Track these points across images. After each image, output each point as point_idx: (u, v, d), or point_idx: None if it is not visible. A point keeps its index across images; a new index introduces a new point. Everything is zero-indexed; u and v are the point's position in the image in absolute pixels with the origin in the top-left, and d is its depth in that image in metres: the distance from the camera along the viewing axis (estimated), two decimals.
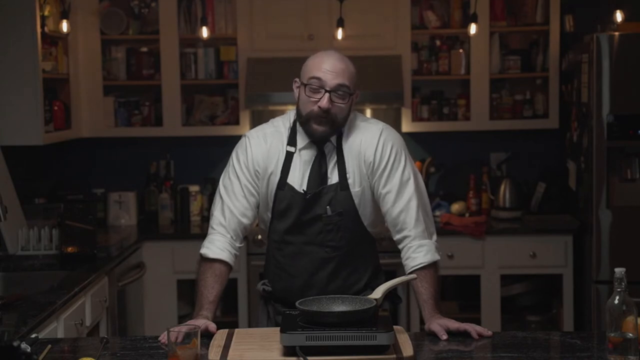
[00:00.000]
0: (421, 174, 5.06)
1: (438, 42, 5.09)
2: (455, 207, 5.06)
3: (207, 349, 2.28)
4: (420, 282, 2.61)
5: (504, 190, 4.99)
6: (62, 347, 2.48)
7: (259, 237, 4.48)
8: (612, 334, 2.17)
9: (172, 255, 4.71)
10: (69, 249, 3.95)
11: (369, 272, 2.81)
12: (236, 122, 5.04)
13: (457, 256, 4.69)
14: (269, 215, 2.76)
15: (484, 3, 4.85)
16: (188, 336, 2.17)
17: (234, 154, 2.83)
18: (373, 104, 5.02)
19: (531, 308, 4.97)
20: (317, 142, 2.69)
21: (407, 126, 5.03)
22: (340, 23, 4.73)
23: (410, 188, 2.67)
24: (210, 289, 2.65)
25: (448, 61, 5.03)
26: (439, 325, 2.50)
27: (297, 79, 2.71)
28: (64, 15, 4.48)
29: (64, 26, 4.48)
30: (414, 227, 2.66)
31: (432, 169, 5.17)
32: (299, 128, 2.72)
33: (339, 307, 2.32)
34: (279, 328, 2.24)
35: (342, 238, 2.71)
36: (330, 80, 2.60)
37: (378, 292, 2.42)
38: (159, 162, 5.15)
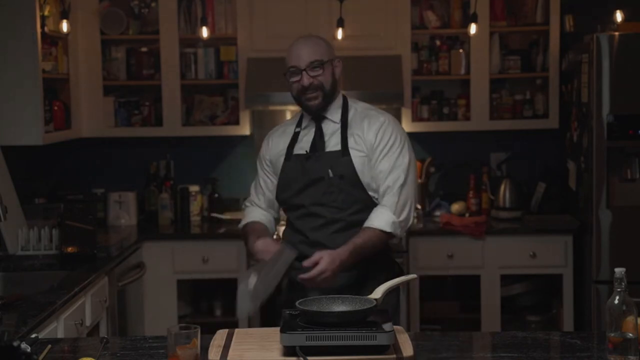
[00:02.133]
0: (421, 174, 5.09)
1: (438, 42, 5.09)
2: (455, 207, 5.06)
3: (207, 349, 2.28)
4: (359, 234, 2.89)
5: (504, 190, 4.99)
6: (62, 347, 2.48)
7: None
8: (612, 334, 2.17)
9: (172, 255, 4.71)
10: (69, 249, 3.95)
11: None
12: (236, 122, 5.04)
13: (457, 256, 4.69)
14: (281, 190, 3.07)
15: (484, 3, 4.85)
16: (188, 336, 2.17)
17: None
18: (373, 104, 4.98)
19: (531, 308, 4.96)
20: (317, 119, 3.03)
21: (407, 126, 5.02)
22: (340, 23, 4.73)
23: (401, 174, 2.96)
24: (258, 232, 3.01)
25: (448, 61, 5.03)
26: (317, 255, 2.78)
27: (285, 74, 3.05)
28: (64, 15, 4.48)
29: (64, 26, 4.48)
30: (388, 202, 2.95)
31: (432, 169, 5.17)
32: (304, 114, 3.09)
33: (339, 307, 2.32)
34: (279, 328, 2.24)
35: (344, 201, 2.95)
36: (302, 61, 2.96)
37: (378, 292, 2.42)
38: (159, 162, 5.15)
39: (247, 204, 3.21)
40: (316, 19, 4.87)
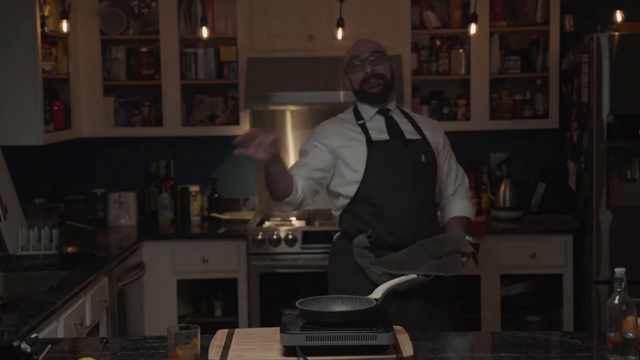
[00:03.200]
0: None
1: (438, 42, 5.09)
2: None
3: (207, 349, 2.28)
4: (454, 219, 3.32)
5: (504, 190, 4.99)
6: (62, 347, 2.48)
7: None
8: (612, 334, 2.17)
9: (172, 255, 4.71)
10: (69, 249, 3.95)
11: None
12: (236, 122, 5.04)
13: None
14: (359, 174, 3.16)
15: (484, 3, 4.86)
16: (188, 336, 2.17)
17: (306, 143, 3.33)
18: None
19: (531, 308, 4.96)
20: (381, 112, 3.25)
21: None
22: (340, 23, 4.73)
23: (461, 172, 3.45)
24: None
25: (448, 61, 5.03)
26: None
27: (345, 76, 3.31)
28: (64, 15, 4.48)
29: (64, 26, 4.48)
30: (468, 196, 3.42)
31: None
32: (360, 107, 3.28)
33: (339, 307, 2.32)
34: (279, 328, 2.24)
35: (428, 189, 3.21)
36: (364, 52, 3.20)
37: (378, 292, 2.42)
38: (159, 162, 5.15)
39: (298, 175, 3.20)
40: (316, 19, 4.87)
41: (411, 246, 3.08)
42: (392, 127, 3.23)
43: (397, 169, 3.15)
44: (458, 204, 3.35)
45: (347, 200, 3.22)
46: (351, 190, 3.20)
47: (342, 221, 3.29)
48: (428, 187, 3.22)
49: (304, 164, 3.21)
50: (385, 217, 3.15)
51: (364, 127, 3.22)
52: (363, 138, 3.20)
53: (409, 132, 3.24)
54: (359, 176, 3.18)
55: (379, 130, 3.21)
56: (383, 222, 3.16)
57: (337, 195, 3.27)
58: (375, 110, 3.26)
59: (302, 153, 3.28)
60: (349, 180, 3.20)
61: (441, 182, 3.31)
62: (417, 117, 3.38)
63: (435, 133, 3.31)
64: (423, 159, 3.17)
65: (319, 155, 3.20)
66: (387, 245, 3.15)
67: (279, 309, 2.40)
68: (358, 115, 3.27)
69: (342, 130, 3.23)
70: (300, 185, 3.11)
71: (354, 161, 3.18)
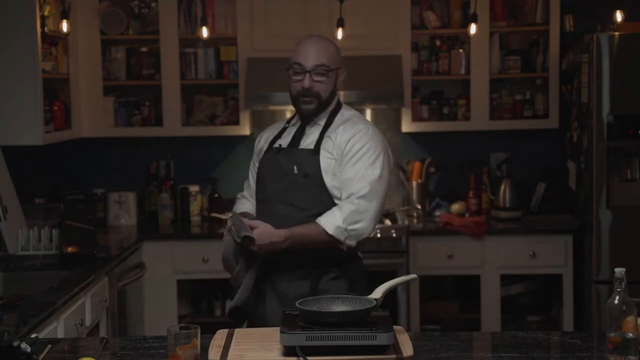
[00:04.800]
0: (421, 174, 5.09)
1: (438, 42, 5.09)
2: (455, 207, 5.06)
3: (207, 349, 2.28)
4: (304, 224, 2.88)
5: (504, 190, 4.99)
6: (62, 347, 2.48)
7: None
8: (612, 334, 2.17)
9: (172, 255, 4.71)
10: (69, 249, 3.95)
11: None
12: (236, 122, 5.04)
13: (457, 256, 4.69)
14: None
15: (484, 3, 4.85)
16: (188, 336, 2.17)
17: None
18: (373, 104, 5.02)
19: (531, 308, 4.97)
20: (305, 121, 3.03)
21: (407, 126, 5.03)
22: (340, 23, 4.73)
23: (366, 185, 2.88)
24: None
25: (448, 61, 5.03)
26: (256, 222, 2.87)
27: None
28: (64, 15, 4.48)
29: (64, 26, 4.48)
30: (344, 207, 2.88)
31: (432, 169, 5.17)
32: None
33: (339, 307, 2.32)
34: (279, 328, 2.24)
35: (305, 200, 2.92)
36: (309, 62, 2.92)
37: (378, 292, 2.41)
38: (159, 162, 5.15)
39: (239, 196, 3.24)
40: (316, 19, 4.87)
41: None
42: (298, 134, 3.03)
43: (271, 179, 3.00)
44: (328, 211, 2.91)
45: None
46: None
47: None
48: (297, 198, 2.92)
49: (247, 184, 3.22)
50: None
51: (281, 132, 3.10)
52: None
53: (308, 142, 2.98)
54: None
55: (289, 136, 3.06)
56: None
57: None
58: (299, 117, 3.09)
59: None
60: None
61: (343, 188, 2.93)
62: (338, 121, 3.01)
63: (342, 138, 2.94)
64: (295, 171, 2.92)
65: (253, 171, 3.16)
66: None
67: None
68: (292, 117, 3.14)
69: (270, 135, 3.12)
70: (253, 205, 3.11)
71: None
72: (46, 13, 4.34)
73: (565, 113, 4.95)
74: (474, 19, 4.72)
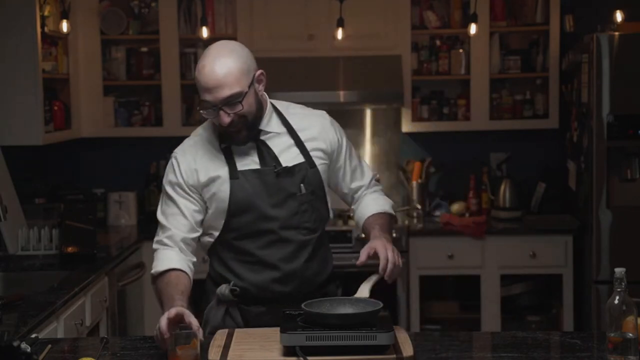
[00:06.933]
0: (421, 173, 5.10)
1: (438, 42, 5.09)
2: (455, 207, 5.06)
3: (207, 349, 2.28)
4: (373, 217, 2.66)
5: (504, 190, 4.99)
6: (62, 347, 2.48)
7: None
8: (612, 334, 2.17)
9: None
10: (69, 249, 3.95)
11: (331, 259, 2.73)
12: None
13: (457, 256, 4.69)
14: (225, 214, 2.55)
15: (484, 3, 4.85)
16: (188, 336, 2.17)
17: (164, 179, 2.64)
18: (373, 103, 5.02)
19: (531, 308, 4.96)
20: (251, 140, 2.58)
21: (407, 126, 5.03)
22: (340, 23, 4.73)
23: (355, 153, 2.75)
24: (174, 287, 2.41)
25: (448, 61, 5.03)
26: (369, 246, 2.48)
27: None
28: (64, 15, 4.48)
29: (64, 26, 4.48)
30: (377, 189, 2.77)
31: (432, 169, 5.17)
32: None
33: (343, 310, 2.31)
34: (279, 328, 2.24)
35: (315, 220, 2.60)
36: (215, 97, 2.45)
37: (364, 291, 2.41)
38: (159, 162, 5.15)
39: (156, 246, 2.56)
40: (316, 19, 4.87)
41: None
42: (265, 151, 2.56)
43: (277, 204, 2.54)
44: (370, 201, 2.72)
45: (212, 240, 2.63)
46: (216, 231, 2.60)
47: (210, 263, 2.72)
48: (309, 220, 2.58)
49: (178, 220, 2.56)
50: (257, 266, 2.57)
51: (227, 153, 2.56)
52: (225, 168, 2.54)
53: (291, 156, 2.58)
54: (222, 216, 2.55)
55: (247, 155, 2.56)
56: (253, 272, 2.57)
57: (203, 234, 2.63)
58: None
59: (171, 192, 2.58)
60: (214, 223, 2.59)
61: (345, 184, 2.73)
62: (298, 120, 2.65)
63: (328, 133, 2.66)
64: (303, 190, 2.55)
65: (188, 203, 2.55)
66: (257, 300, 2.59)
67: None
68: (220, 135, 2.56)
69: (200, 161, 2.58)
70: (189, 264, 2.54)
71: (218, 201, 2.54)
72: (46, 13, 4.34)
73: (565, 113, 4.95)
74: (474, 19, 4.72)
